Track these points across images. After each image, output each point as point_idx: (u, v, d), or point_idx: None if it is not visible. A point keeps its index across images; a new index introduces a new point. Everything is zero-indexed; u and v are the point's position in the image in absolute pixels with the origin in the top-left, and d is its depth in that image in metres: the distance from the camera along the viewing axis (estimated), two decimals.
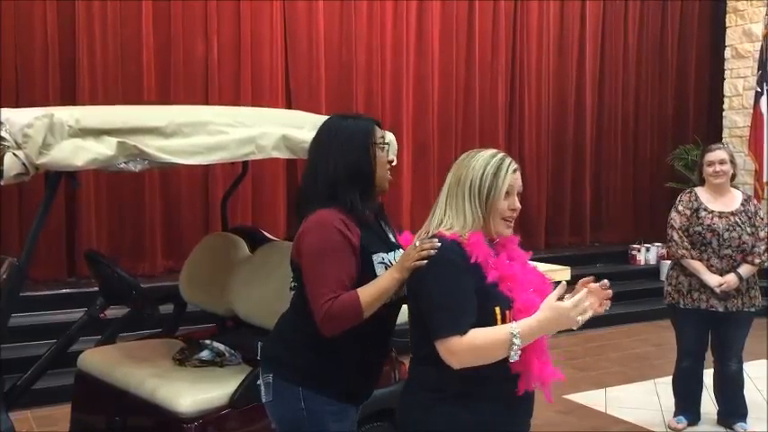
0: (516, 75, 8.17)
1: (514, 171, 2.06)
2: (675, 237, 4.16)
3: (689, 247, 4.13)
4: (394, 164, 3.45)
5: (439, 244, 1.97)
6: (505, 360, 1.90)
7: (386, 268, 2.20)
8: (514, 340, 1.87)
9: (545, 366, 1.99)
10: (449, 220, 2.04)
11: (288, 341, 2.29)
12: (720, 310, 4.07)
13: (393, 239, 2.36)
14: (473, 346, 1.89)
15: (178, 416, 2.76)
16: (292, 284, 2.32)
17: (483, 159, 2.06)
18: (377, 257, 2.20)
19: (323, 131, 2.32)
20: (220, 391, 2.85)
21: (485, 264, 1.97)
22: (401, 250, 2.31)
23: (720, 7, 8.92)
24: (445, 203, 2.08)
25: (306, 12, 6.89)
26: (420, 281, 2.00)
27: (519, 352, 1.88)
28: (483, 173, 2.03)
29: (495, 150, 2.11)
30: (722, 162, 4.14)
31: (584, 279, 1.97)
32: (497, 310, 1.94)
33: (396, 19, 7.41)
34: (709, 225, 4.09)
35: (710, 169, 4.15)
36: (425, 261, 1.98)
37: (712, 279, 4.04)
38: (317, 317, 2.10)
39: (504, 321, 1.93)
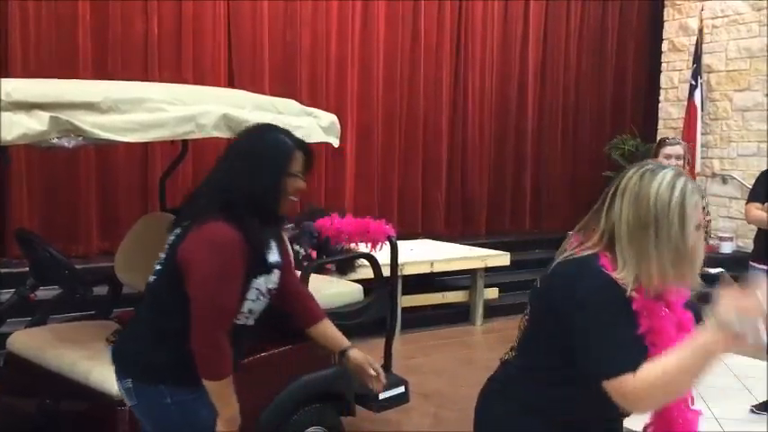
0: (461, 63, 8.23)
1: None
2: None
3: None
4: (336, 146, 3.48)
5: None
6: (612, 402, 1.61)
7: (257, 294, 2.19)
8: None
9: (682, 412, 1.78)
10: (626, 269, 1.66)
11: (145, 341, 2.22)
12: None
13: (275, 258, 2.25)
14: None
15: (112, 398, 2.71)
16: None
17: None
18: (254, 284, 2.18)
19: (247, 139, 2.24)
20: None
21: (641, 310, 1.67)
22: (276, 271, 2.24)
23: (659, 2, 9.15)
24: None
25: None
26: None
27: None
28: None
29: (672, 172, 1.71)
30: (678, 157, 4.29)
31: None
32: None
33: (341, 4, 7.36)
34: None
35: (668, 162, 4.26)
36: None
37: None
38: (196, 331, 2.06)
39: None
